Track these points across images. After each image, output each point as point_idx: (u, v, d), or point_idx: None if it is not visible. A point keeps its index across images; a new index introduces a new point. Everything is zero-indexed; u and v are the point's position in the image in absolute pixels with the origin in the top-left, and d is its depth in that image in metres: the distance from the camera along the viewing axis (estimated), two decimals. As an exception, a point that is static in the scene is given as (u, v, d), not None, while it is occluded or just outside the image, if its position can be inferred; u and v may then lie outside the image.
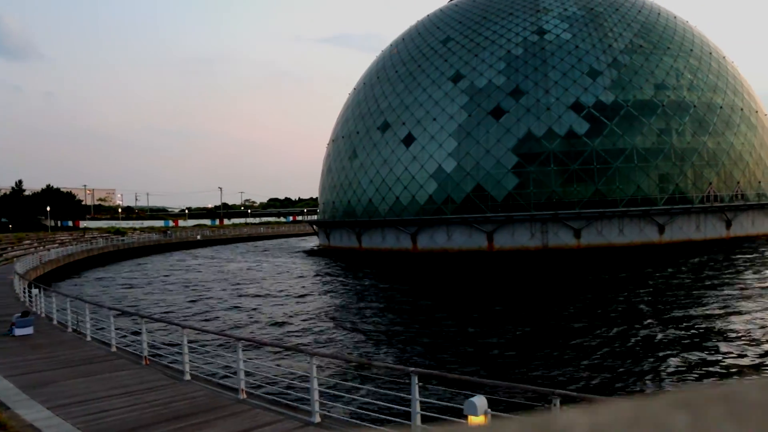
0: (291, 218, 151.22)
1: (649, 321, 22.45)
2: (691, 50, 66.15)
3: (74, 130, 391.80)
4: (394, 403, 10.05)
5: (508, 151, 58.60)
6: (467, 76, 63.15)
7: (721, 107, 63.02)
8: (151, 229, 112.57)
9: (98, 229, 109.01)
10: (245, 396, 11.43)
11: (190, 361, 13.27)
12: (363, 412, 11.41)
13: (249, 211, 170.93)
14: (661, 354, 17.38)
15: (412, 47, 71.58)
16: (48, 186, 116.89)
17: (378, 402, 11.29)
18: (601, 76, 60.64)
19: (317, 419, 9.81)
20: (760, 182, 64.05)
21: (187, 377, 12.94)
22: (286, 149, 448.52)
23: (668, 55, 64.04)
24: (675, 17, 71.49)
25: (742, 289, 29.70)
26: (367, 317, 25.39)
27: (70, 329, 19.59)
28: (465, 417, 7.78)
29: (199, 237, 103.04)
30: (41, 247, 64.60)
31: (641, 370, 15.83)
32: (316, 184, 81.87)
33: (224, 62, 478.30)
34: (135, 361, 15.01)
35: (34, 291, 25.42)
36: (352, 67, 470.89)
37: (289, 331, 22.85)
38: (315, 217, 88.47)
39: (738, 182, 61.76)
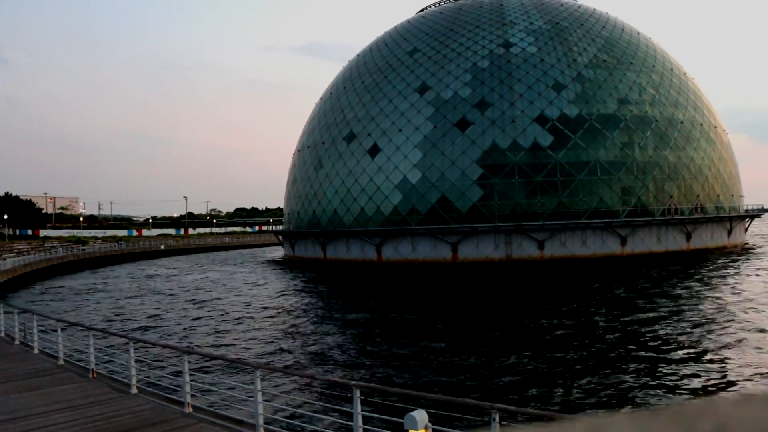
0: (257, 228, 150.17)
1: (599, 334, 22.54)
2: (654, 66, 67.28)
3: (37, 136, 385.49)
4: (338, 417, 9.95)
5: (473, 163, 58.84)
6: (433, 87, 63.40)
7: (681, 122, 64.13)
8: (113, 238, 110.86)
9: (59, 238, 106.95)
10: (191, 410, 11.23)
11: (137, 374, 13.04)
12: (307, 426, 11.24)
13: (215, 221, 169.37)
14: (604, 368, 17.40)
15: (378, 58, 71.67)
16: (6, 193, 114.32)
17: (322, 416, 11.15)
18: (565, 89, 61.30)
19: None
20: (718, 196, 65.29)
21: (134, 390, 12.69)
22: (255, 158, 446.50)
23: (631, 71, 65.04)
24: (638, 33, 72.71)
25: (696, 302, 30.06)
26: (320, 330, 25.06)
27: (17, 342, 19.01)
28: (406, 431, 7.71)
29: (162, 247, 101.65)
30: (-3, 256, 63.15)
31: (585, 384, 15.81)
32: (283, 194, 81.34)
33: (192, 69, 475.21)
34: (82, 374, 14.63)
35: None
36: (322, 76, 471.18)
37: (239, 344, 22.43)
38: (281, 228, 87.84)
39: (698, 196, 62.82)
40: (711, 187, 64.55)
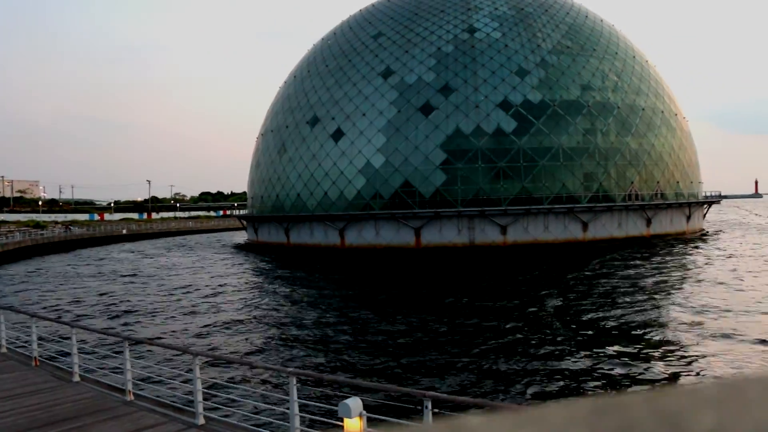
0: (222, 212, 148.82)
1: (549, 321, 22.68)
2: (616, 53, 67.83)
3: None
4: (276, 405, 9.95)
5: (437, 148, 58.82)
6: (397, 72, 63.12)
7: (643, 109, 64.84)
8: (74, 222, 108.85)
9: (16, 222, 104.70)
10: (132, 397, 11.17)
11: (80, 361, 12.84)
12: (246, 413, 11.18)
13: (178, 205, 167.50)
14: (551, 357, 17.49)
15: (343, 42, 71.11)
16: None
17: (260, 403, 11.13)
18: (529, 75, 61.49)
19: (201, 421, 9.67)
20: (678, 182, 66.31)
21: (77, 378, 12.59)
22: (220, 142, 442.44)
23: (594, 57, 65.48)
24: (602, 20, 73.21)
25: (647, 284, 30.46)
26: (272, 317, 24.78)
27: (-43, 331, 18.51)
28: (341, 419, 7.71)
29: (124, 231, 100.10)
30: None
31: (527, 371, 15.88)
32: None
33: (156, 51, 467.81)
34: (24, 362, 14.42)
35: None
36: (288, 59, 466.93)
37: (189, 330, 22.06)
38: (245, 212, 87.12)
39: (658, 182, 63.70)
40: (671, 174, 65.52)
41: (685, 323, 20.95)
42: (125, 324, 23.97)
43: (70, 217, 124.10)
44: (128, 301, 30.70)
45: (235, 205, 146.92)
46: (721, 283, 30.36)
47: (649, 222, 61.73)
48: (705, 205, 73.40)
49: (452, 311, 24.53)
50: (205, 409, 9.91)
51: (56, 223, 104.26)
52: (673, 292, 28.42)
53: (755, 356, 16.54)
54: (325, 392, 11.65)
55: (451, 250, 54.69)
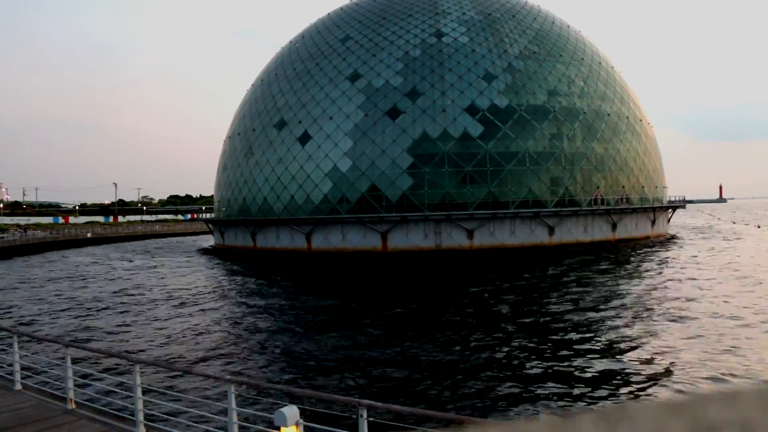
0: (189, 216, 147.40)
1: (504, 327, 22.66)
2: (582, 59, 68.51)
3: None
4: (216, 414, 9.83)
5: (404, 152, 58.80)
6: (365, 75, 63.01)
7: (609, 115, 65.55)
8: (38, 225, 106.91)
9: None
10: (73, 406, 10.92)
11: (21, 369, 12.46)
12: (186, 421, 10.94)
13: (145, 208, 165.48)
14: (498, 368, 17.46)
15: (311, 45, 70.82)
16: None
17: (200, 411, 10.95)
18: (496, 80, 61.80)
19: (142, 429, 9.45)
20: (643, 187, 67.14)
21: (18, 387, 12.25)
22: (188, 145, 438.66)
23: (561, 63, 66.05)
24: (568, 26, 73.90)
25: (612, 291, 30.66)
26: (222, 323, 24.39)
27: None
28: (278, 428, 7.53)
29: (89, 235, 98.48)
30: None
31: (482, 378, 15.79)
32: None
33: (125, 52, 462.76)
34: None
35: None
36: (256, 62, 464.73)
37: (137, 337, 21.56)
38: (212, 216, 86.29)
39: (623, 187, 64.40)
40: (636, 179, 66.31)
41: (640, 327, 21.05)
42: (70, 331, 23.37)
43: (34, 220, 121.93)
44: (77, 307, 29.94)
45: (203, 208, 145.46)
46: (682, 285, 30.67)
47: (614, 226, 62.35)
48: (669, 210, 74.45)
49: (401, 318, 24.41)
50: (145, 417, 9.73)
51: (18, 226, 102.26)
52: (630, 295, 28.59)
53: (700, 366, 16.63)
54: (264, 400, 11.49)
55: (417, 254, 54.65)
